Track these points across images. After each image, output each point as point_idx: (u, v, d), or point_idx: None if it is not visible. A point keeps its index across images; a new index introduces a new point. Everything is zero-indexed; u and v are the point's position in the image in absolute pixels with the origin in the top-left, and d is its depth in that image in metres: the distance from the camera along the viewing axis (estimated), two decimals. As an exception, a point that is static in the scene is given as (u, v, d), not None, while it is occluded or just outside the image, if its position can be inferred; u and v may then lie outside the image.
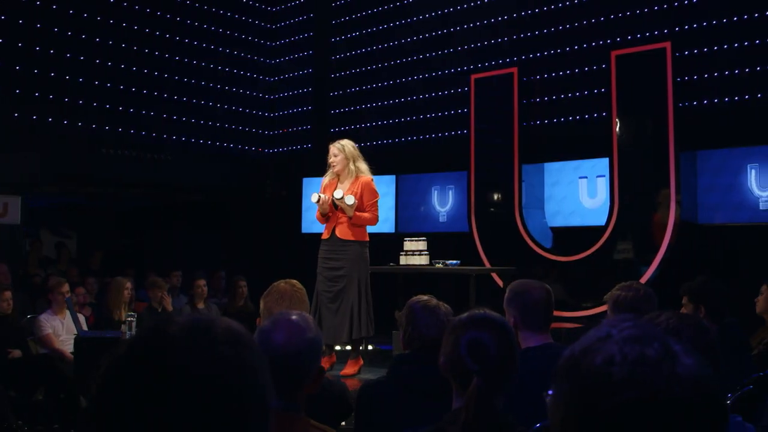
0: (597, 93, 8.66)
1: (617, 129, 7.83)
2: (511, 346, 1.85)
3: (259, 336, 1.84)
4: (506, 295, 3.11)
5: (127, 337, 5.43)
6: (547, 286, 3.11)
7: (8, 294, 6.25)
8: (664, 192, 7.54)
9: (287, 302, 2.56)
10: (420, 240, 6.70)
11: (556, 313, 3.38)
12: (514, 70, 8.85)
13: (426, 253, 6.61)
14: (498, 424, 1.65)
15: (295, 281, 2.68)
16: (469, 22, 9.91)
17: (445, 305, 2.70)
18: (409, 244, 6.67)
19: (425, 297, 2.77)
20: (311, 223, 10.77)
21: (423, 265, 6.58)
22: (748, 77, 7.68)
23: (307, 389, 1.94)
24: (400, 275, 6.87)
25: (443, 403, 2.60)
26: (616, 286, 3.44)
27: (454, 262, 6.63)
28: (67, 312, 6.57)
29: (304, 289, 2.67)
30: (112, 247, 12.82)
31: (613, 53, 7.99)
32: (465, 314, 1.91)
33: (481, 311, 1.93)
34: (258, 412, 0.91)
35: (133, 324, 5.43)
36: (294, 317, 1.88)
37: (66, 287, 6.53)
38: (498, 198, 8.82)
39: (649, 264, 7.57)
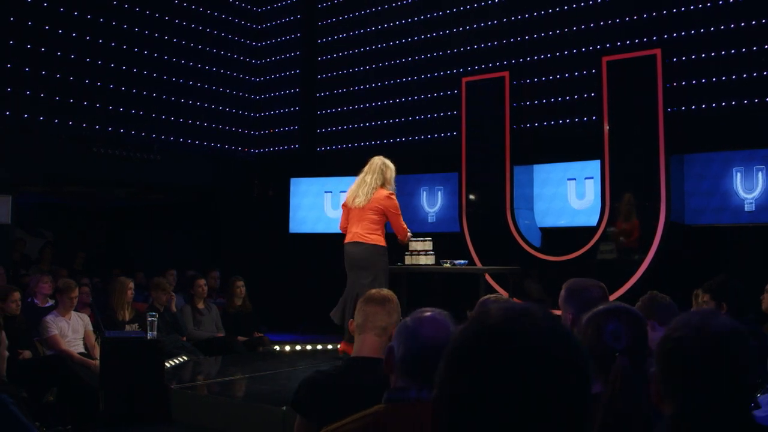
0: (587, 97, 8.85)
1: (608, 133, 8.02)
2: (644, 331, 2.02)
3: (406, 332, 1.93)
4: (562, 293, 3.23)
5: (149, 337, 5.43)
6: (602, 284, 3.25)
7: (17, 295, 6.20)
8: (651, 195, 7.76)
9: (379, 306, 2.62)
10: (426, 240, 6.80)
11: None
12: (506, 73, 8.99)
13: (432, 253, 6.72)
14: (640, 404, 1.78)
15: (386, 291, 2.76)
16: (460, 26, 10.03)
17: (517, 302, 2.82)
18: (415, 245, 6.76)
19: (493, 295, 2.89)
20: (299, 223, 10.83)
21: (430, 265, 6.68)
22: (735, 84, 7.96)
23: None
24: (404, 275, 6.96)
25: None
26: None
27: (462, 261, 6.74)
28: (73, 313, 6.54)
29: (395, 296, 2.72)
30: (92, 247, 12.67)
31: (605, 59, 8.17)
32: (602, 306, 2.08)
33: (614, 303, 2.08)
34: (589, 383, 0.98)
35: (155, 324, 5.42)
36: (430, 314, 1.98)
37: (76, 292, 6.49)
38: (489, 199, 8.95)
39: (639, 264, 7.79)
